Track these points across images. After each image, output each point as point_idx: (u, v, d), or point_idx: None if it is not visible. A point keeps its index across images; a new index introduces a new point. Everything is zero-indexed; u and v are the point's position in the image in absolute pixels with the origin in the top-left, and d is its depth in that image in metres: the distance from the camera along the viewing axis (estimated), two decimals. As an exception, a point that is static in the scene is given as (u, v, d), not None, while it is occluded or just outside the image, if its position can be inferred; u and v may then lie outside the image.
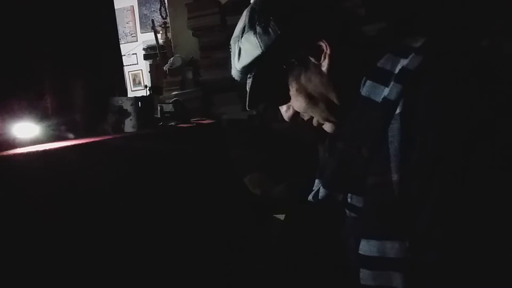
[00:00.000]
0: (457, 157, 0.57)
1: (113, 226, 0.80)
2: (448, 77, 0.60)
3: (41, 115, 0.88)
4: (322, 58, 0.70)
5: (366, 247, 0.66)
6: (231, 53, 0.78)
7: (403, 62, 0.63)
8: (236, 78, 0.81)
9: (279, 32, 0.69)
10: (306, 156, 2.11)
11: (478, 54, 0.66)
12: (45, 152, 0.70)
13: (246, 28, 0.73)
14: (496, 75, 0.61)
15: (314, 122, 0.78)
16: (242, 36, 0.74)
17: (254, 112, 2.45)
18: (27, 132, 0.81)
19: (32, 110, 0.87)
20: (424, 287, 0.61)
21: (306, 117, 0.78)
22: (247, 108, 0.82)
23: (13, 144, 0.76)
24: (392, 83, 0.63)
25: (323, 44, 0.69)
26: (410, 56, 0.63)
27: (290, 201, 1.50)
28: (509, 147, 0.56)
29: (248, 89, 0.77)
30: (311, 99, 0.73)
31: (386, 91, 0.64)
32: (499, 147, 0.56)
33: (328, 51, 0.69)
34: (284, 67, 0.72)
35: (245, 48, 0.73)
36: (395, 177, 0.62)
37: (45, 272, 0.63)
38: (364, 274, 0.67)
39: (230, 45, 0.78)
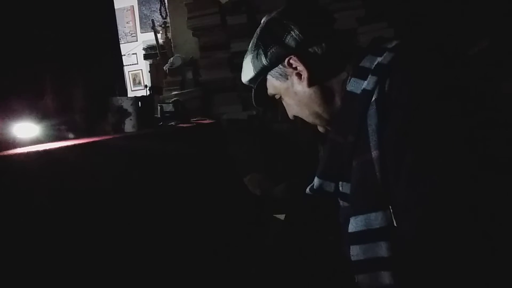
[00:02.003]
0: (427, 123, 0.64)
1: (113, 226, 0.81)
2: (414, 66, 0.72)
3: (41, 115, 0.88)
4: (302, 78, 0.84)
5: (353, 225, 0.73)
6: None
7: (379, 59, 0.76)
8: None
9: (264, 60, 0.86)
10: (306, 156, 2.11)
11: (439, 50, 0.77)
12: (45, 152, 0.70)
13: (248, 51, 0.90)
14: (452, 62, 0.74)
15: (310, 122, 0.92)
16: (246, 57, 0.91)
17: (254, 112, 2.45)
18: (27, 132, 0.81)
19: (32, 110, 0.87)
20: (407, 253, 0.65)
21: (302, 118, 0.93)
22: (255, 106, 1.00)
23: (13, 144, 0.76)
24: (369, 76, 0.75)
25: (301, 67, 0.83)
26: (385, 54, 0.76)
27: (290, 201, 1.51)
28: (469, 117, 0.64)
29: (252, 96, 0.96)
30: (299, 107, 0.89)
31: (364, 83, 0.75)
32: (461, 114, 0.64)
33: (305, 74, 0.83)
34: (276, 81, 0.89)
35: (245, 68, 0.93)
36: (374, 153, 0.70)
37: (45, 271, 0.63)
38: (354, 251, 0.72)
39: None
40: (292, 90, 0.87)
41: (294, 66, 0.84)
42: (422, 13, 2.12)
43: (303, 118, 0.91)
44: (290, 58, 0.83)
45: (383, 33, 2.12)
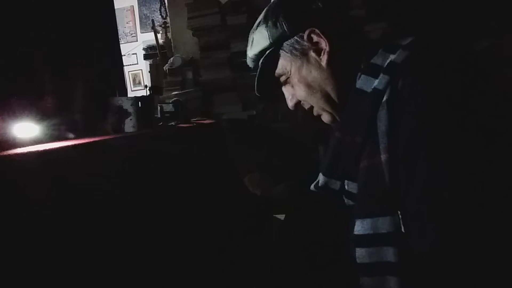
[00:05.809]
0: (441, 133, 0.62)
1: (113, 226, 0.80)
2: (429, 67, 0.68)
3: (41, 115, 0.88)
4: (322, 54, 0.79)
5: (360, 227, 0.71)
6: (248, 43, 0.91)
7: (392, 57, 0.72)
8: (250, 66, 0.93)
9: (285, 27, 0.80)
10: (306, 156, 2.11)
11: (457, 50, 0.73)
12: (45, 152, 0.70)
13: (260, 22, 0.85)
14: (473, 65, 0.69)
15: (314, 112, 0.86)
16: (256, 28, 0.86)
17: (254, 112, 2.45)
18: (27, 132, 0.81)
19: (32, 110, 0.87)
20: (415, 261, 0.63)
21: (306, 106, 0.87)
22: (256, 93, 0.92)
23: (13, 144, 0.76)
24: (381, 75, 0.71)
25: (323, 42, 0.78)
26: (398, 52, 0.72)
27: (290, 201, 1.51)
28: (489, 122, 0.62)
29: (257, 75, 0.88)
30: (310, 89, 0.82)
31: (375, 82, 0.72)
32: (479, 122, 0.61)
33: (327, 49, 0.78)
34: (289, 58, 0.83)
35: (257, 38, 0.86)
36: (384, 157, 0.67)
37: (44, 271, 0.63)
38: (360, 253, 0.71)
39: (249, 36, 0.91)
40: (306, 68, 0.81)
41: (314, 40, 0.79)
42: (422, 13, 2.12)
43: (310, 103, 0.85)
44: (312, 31, 0.78)
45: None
